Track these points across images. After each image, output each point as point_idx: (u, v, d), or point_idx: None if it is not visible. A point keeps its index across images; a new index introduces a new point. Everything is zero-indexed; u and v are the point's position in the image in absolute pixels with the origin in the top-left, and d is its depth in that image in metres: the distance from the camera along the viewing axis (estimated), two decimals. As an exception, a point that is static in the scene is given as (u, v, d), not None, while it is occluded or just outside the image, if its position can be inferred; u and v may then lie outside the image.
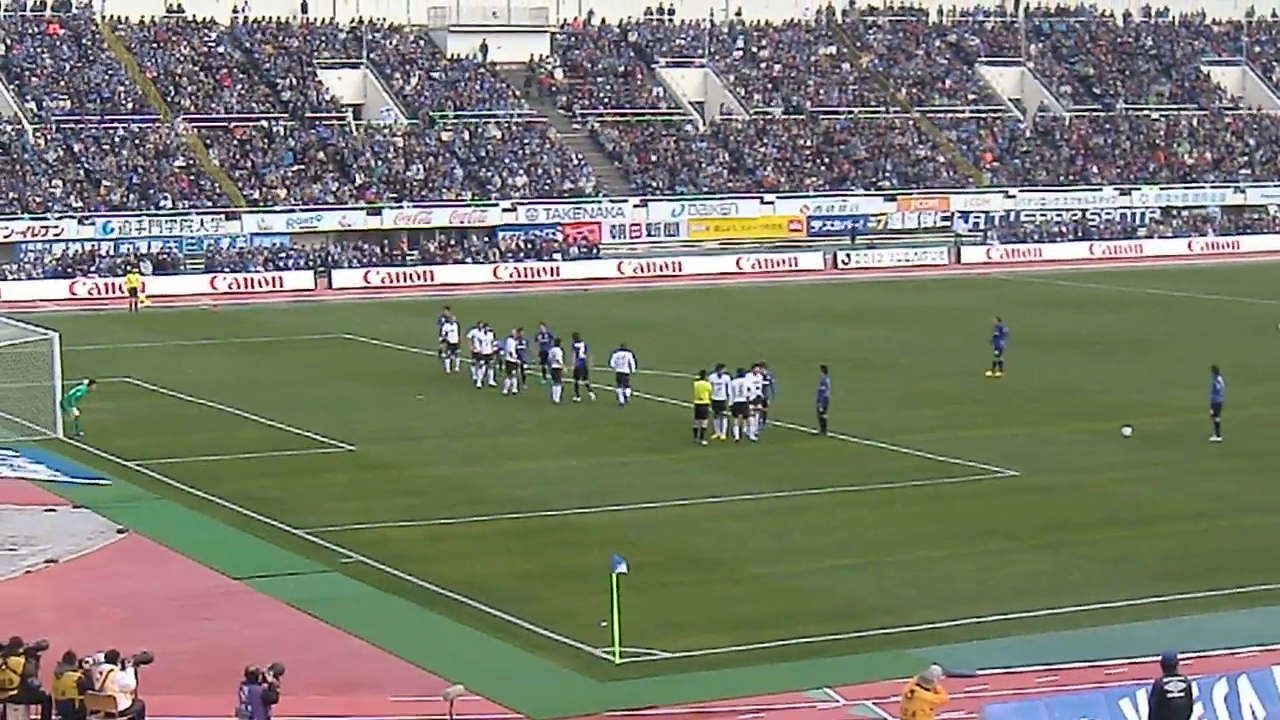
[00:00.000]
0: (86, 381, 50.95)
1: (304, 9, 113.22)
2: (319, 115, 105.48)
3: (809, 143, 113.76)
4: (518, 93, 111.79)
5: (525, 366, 56.80)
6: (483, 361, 57.90)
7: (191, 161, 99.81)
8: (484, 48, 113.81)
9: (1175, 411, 51.90)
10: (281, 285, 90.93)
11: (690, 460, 45.93)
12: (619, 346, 55.01)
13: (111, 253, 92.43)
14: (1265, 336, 69.37)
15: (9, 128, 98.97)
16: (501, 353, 57.14)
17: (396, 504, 41.07)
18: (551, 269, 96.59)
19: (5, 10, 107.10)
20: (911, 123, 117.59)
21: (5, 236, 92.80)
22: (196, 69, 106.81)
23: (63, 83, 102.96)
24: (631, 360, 54.31)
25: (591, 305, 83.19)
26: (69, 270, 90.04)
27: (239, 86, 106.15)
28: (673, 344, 67.41)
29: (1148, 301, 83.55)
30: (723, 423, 48.45)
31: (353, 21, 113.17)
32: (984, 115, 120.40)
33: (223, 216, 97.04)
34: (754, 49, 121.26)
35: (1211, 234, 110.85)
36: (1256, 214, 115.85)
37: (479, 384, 57.71)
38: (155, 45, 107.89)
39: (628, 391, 54.15)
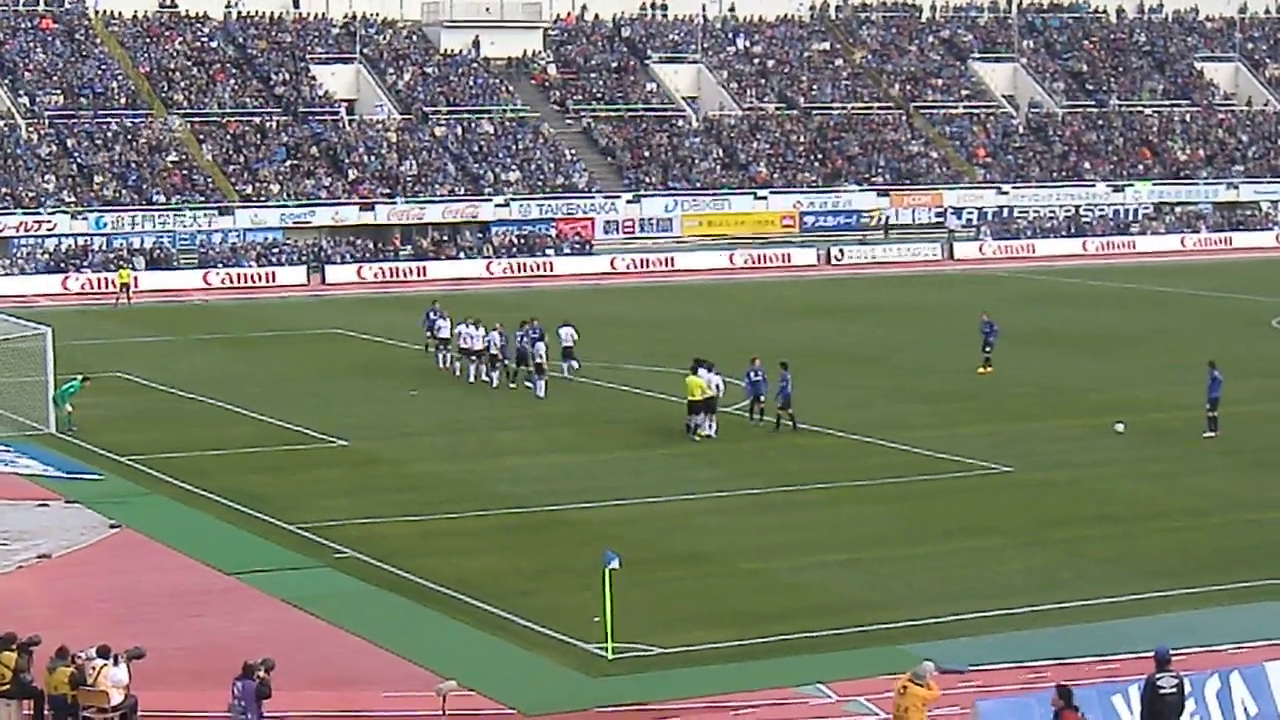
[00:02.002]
0: (80, 378, 50.88)
1: (295, 4, 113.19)
2: (312, 110, 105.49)
3: (802, 138, 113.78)
4: (510, 88, 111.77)
5: (508, 361, 56.95)
6: (473, 357, 57.99)
7: (184, 156, 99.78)
8: (476, 43, 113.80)
9: (1169, 407, 51.92)
10: (274, 280, 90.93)
11: (683, 456, 45.90)
12: (563, 322, 58.21)
13: (104, 248, 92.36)
14: (1259, 333, 69.40)
15: (1, 123, 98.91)
16: (491, 348, 57.24)
17: (389, 499, 41.06)
18: (545, 264, 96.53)
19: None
20: (904, 118, 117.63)
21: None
22: (190, 64, 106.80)
23: (56, 78, 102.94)
24: (574, 334, 57.78)
25: (584, 301, 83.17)
26: (62, 265, 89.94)
27: (232, 82, 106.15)
28: (665, 339, 67.43)
29: (1141, 298, 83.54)
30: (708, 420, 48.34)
31: (346, 17, 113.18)
32: (977, 111, 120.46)
33: (216, 212, 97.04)
34: (747, 44, 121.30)
35: (1204, 230, 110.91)
36: (1249, 210, 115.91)
37: (471, 379, 57.74)
38: (148, 40, 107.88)
39: (574, 364, 57.36)
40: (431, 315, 62.51)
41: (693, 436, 47.68)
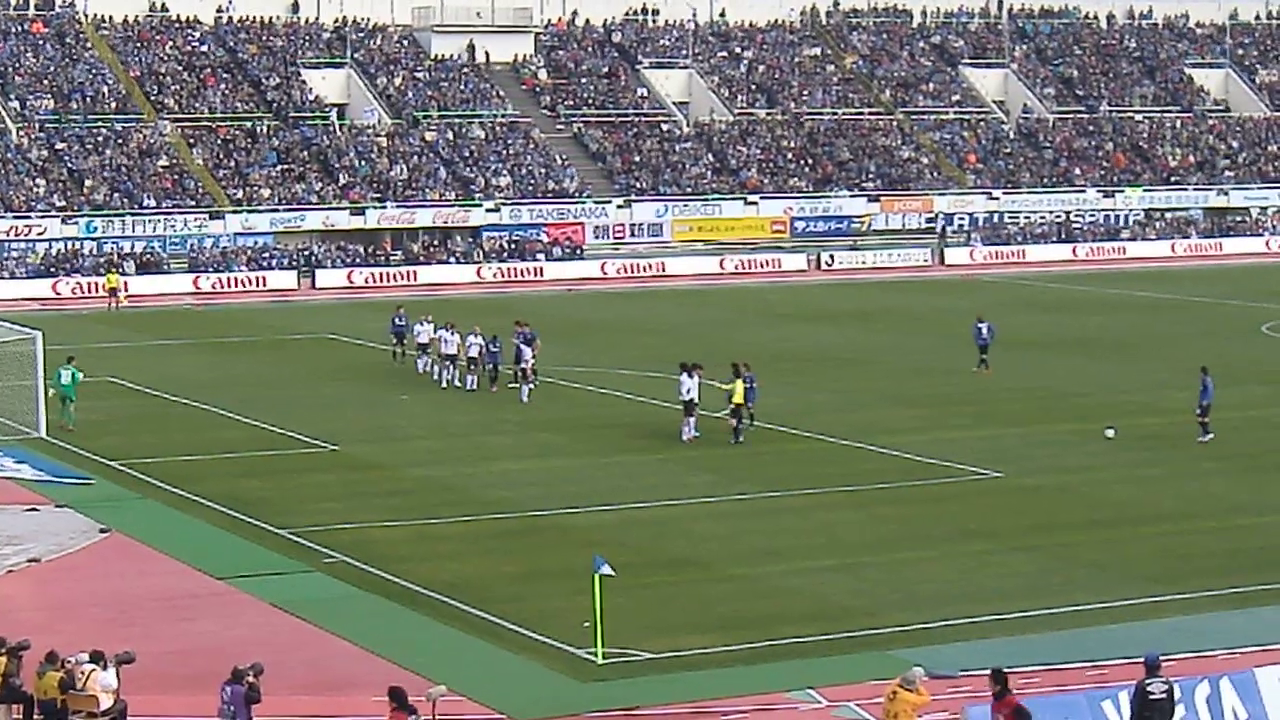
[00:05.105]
0: (66, 361, 50.77)
1: (295, 9, 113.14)
2: (303, 115, 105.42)
3: (792, 144, 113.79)
4: (502, 93, 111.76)
5: (490, 364, 56.93)
6: (449, 362, 58.07)
7: (175, 161, 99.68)
8: (469, 48, 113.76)
9: (1160, 413, 51.99)
10: (264, 285, 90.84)
11: (673, 461, 45.90)
12: (442, 321, 59.37)
13: (95, 252, 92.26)
14: (1249, 338, 69.49)
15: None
16: (472, 351, 57.25)
17: (380, 504, 41.04)
18: (536, 269, 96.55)
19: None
20: (895, 124, 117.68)
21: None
22: (180, 68, 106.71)
23: (46, 82, 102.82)
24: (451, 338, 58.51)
25: (575, 306, 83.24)
26: (52, 270, 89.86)
27: (223, 86, 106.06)
28: (656, 345, 67.40)
29: (1132, 303, 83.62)
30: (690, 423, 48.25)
31: (337, 21, 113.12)
32: (968, 117, 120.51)
33: (206, 216, 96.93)
34: (738, 50, 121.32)
35: (1194, 236, 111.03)
36: (1239, 216, 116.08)
37: (443, 384, 57.72)
38: (139, 44, 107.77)
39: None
40: (398, 321, 62.98)
41: (739, 439, 47.42)
